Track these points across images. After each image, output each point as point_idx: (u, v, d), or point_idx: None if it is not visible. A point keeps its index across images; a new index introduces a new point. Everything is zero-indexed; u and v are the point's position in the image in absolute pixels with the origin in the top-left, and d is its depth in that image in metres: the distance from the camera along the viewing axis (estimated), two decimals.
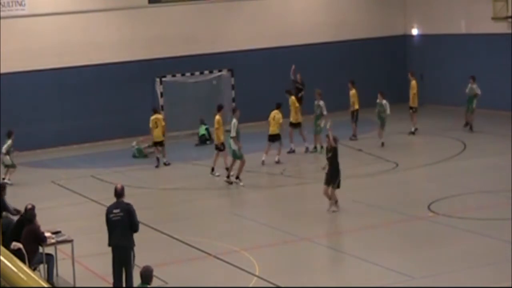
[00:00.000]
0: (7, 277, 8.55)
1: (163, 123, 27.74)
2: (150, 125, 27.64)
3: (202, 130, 31.60)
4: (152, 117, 27.71)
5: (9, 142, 26.28)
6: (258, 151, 28.42)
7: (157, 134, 27.56)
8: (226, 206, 22.79)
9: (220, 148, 25.08)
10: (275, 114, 27.00)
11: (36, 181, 26.63)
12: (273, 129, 26.96)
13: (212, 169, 25.37)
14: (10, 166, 26.29)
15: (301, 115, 28.44)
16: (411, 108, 30.91)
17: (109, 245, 14.76)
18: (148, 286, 12.13)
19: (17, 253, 14.46)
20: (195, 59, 33.68)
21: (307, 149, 28.04)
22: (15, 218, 16.71)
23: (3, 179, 26.19)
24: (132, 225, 14.62)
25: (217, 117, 24.93)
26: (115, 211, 14.61)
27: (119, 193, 14.71)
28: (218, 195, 23.27)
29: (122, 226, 14.56)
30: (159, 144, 27.63)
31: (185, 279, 16.31)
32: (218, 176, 25.03)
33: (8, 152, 26.15)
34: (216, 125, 24.94)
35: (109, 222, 14.68)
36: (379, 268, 16.20)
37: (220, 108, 25.52)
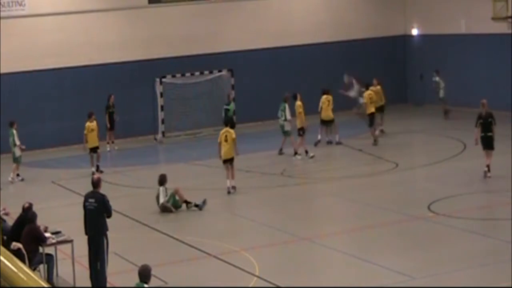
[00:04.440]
0: (7, 277, 8.55)
1: (233, 137, 23.29)
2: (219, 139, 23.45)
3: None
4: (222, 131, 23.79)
5: (15, 132, 26.24)
6: (258, 151, 28.48)
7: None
8: (226, 206, 22.79)
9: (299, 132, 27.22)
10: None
11: (36, 181, 26.64)
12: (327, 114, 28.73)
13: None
14: (18, 161, 26.26)
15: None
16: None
17: (85, 233, 15.57)
18: (146, 285, 12.13)
19: (17, 253, 14.47)
20: (195, 59, 33.68)
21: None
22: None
23: (17, 175, 26.27)
24: (106, 212, 15.41)
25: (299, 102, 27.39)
26: (90, 200, 15.52)
27: (95, 184, 15.61)
28: (218, 195, 23.25)
29: (95, 215, 15.37)
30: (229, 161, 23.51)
31: (185, 279, 16.31)
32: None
33: (15, 143, 26.19)
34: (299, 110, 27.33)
35: (85, 210, 15.57)
36: (379, 268, 16.19)
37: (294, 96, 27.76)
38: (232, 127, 24.55)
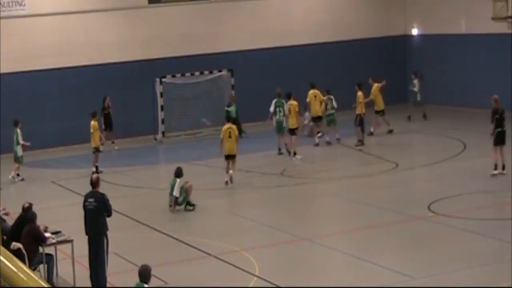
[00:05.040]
0: (7, 277, 8.55)
1: (236, 133, 24.23)
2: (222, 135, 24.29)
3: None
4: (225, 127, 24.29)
5: (19, 131, 26.28)
6: (258, 151, 28.46)
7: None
8: (226, 206, 22.78)
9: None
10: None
11: (36, 181, 26.63)
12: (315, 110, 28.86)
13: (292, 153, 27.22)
14: (19, 160, 26.25)
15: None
16: (377, 112, 30.57)
17: (86, 233, 15.57)
18: (146, 285, 12.13)
19: (17, 253, 14.47)
20: (195, 59, 33.67)
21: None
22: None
23: (17, 175, 26.25)
24: (106, 211, 15.41)
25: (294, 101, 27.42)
26: (89, 200, 15.51)
27: (94, 183, 15.63)
28: (218, 195, 23.27)
29: (95, 215, 15.36)
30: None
31: (185, 279, 16.31)
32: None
33: (18, 142, 26.23)
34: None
35: (85, 210, 15.57)
36: (379, 268, 16.20)
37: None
38: (238, 128, 24.44)
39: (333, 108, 29.45)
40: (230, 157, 23.91)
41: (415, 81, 33.29)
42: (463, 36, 34.83)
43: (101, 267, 15.34)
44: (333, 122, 29.55)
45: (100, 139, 27.21)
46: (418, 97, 33.20)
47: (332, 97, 29.59)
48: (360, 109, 28.71)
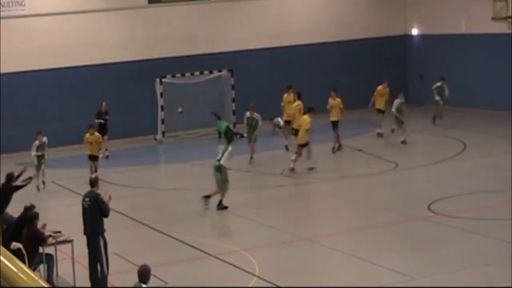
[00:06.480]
0: (7, 277, 8.54)
1: (307, 127, 25.25)
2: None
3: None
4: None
5: (36, 142, 25.24)
6: (258, 151, 28.40)
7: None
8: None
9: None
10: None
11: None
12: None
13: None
14: (39, 166, 25.34)
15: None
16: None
17: (84, 233, 15.62)
18: (144, 285, 12.13)
19: (17, 253, 14.46)
20: (195, 59, 33.68)
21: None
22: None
23: (43, 182, 25.26)
24: (100, 211, 15.38)
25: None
26: (86, 199, 15.61)
27: (92, 182, 15.75)
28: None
29: (90, 214, 15.44)
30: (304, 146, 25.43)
31: (185, 279, 16.31)
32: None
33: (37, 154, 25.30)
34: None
35: (82, 209, 15.65)
36: (379, 268, 16.20)
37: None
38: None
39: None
40: (302, 146, 25.00)
41: (445, 85, 31.89)
42: (463, 36, 34.84)
43: (101, 267, 15.34)
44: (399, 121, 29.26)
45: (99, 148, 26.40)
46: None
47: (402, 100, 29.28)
48: (339, 115, 28.15)
